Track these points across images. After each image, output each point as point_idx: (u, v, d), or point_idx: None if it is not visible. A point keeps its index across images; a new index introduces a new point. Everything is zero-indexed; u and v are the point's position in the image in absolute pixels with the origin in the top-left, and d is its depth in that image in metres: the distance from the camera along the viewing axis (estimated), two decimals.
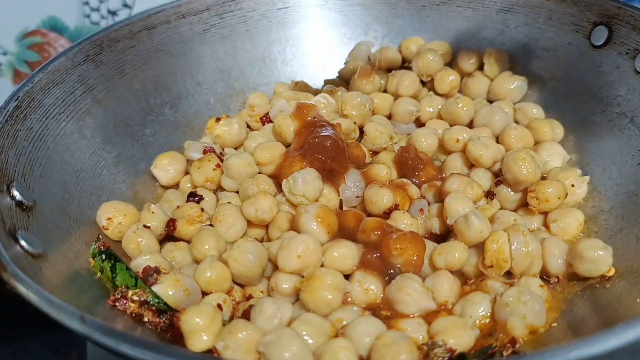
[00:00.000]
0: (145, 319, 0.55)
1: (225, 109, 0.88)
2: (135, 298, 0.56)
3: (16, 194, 0.58)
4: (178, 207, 0.72)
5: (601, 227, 0.68)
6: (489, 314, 0.58)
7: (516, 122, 0.81)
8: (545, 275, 0.63)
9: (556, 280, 0.63)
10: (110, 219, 0.68)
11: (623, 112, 0.73)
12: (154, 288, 0.57)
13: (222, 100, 0.90)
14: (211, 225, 0.69)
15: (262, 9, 0.90)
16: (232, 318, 0.60)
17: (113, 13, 1.12)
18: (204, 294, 0.61)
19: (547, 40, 0.83)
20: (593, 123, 0.76)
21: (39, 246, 0.56)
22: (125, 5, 1.11)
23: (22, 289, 0.45)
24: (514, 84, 0.83)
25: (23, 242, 0.53)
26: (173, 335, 0.54)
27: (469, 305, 0.59)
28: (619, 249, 0.64)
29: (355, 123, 0.80)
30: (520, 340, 0.55)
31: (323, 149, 0.69)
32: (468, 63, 0.86)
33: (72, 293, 0.54)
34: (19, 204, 0.58)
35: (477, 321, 0.58)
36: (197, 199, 0.73)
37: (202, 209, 0.71)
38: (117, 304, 0.55)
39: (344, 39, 0.94)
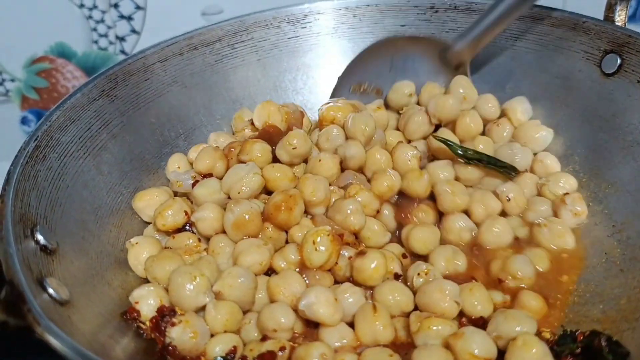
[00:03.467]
0: None
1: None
2: None
3: (40, 238, 0.58)
4: (174, 236, 0.72)
5: (617, 255, 0.69)
6: None
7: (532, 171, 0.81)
8: None
9: None
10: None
11: (636, 140, 0.73)
12: (172, 332, 0.58)
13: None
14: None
15: (272, 38, 0.91)
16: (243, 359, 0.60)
17: (121, 39, 1.12)
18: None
19: (558, 67, 0.83)
20: (606, 150, 0.76)
21: (65, 292, 0.56)
22: (134, 31, 1.11)
23: (57, 345, 0.45)
24: (538, 133, 0.82)
25: (50, 290, 0.53)
26: None
27: None
28: (635, 277, 0.66)
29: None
30: None
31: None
32: (490, 110, 0.84)
33: (100, 339, 0.54)
34: (43, 248, 0.58)
35: None
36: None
37: (200, 239, 0.71)
38: None
39: None
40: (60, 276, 0.58)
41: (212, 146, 0.80)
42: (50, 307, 0.51)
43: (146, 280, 0.68)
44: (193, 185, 0.75)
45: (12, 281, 0.50)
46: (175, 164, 0.81)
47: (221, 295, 0.62)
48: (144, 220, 0.76)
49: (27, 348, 0.60)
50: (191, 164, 0.81)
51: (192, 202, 0.74)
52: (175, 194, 0.77)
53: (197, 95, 0.87)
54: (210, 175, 0.77)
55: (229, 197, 0.73)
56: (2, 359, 0.63)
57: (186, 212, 0.72)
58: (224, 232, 0.70)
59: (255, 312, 0.64)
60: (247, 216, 0.68)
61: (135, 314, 0.61)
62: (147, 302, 0.62)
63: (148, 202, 0.75)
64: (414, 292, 0.64)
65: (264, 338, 0.60)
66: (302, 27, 0.91)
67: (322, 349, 0.56)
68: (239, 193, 0.71)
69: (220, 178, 0.75)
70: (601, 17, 0.80)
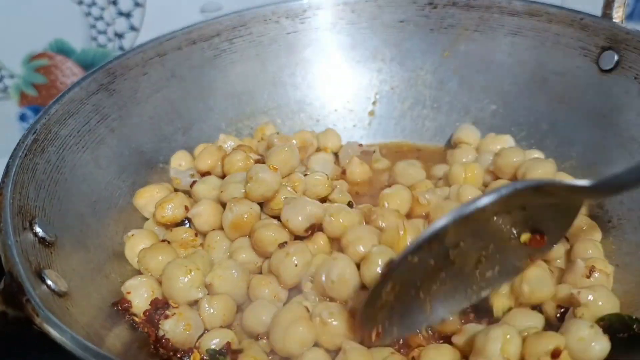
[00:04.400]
0: None
1: (237, 134, 0.89)
2: None
3: (39, 230, 0.58)
4: (171, 229, 0.72)
5: (614, 251, 0.69)
6: None
7: None
8: None
9: None
10: None
11: (633, 136, 0.74)
12: (165, 324, 0.58)
13: (233, 125, 0.90)
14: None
15: (271, 33, 0.91)
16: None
17: (120, 36, 1.12)
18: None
19: (556, 63, 0.83)
20: (604, 147, 0.77)
21: (63, 284, 0.56)
22: (132, 28, 1.11)
23: (55, 334, 0.45)
24: None
25: (49, 282, 0.53)
26: None
27: None
28: (633, 271, 0.66)
29: None
30: None
31: None
32: None
33: (98, 330, 0.54)
34: (42, 240, 0.58)
35: None
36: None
37: (196, 234, 0.71)
38: None
39: (352, 62, 0.94)
40: (58, 268, 0.58)
41: (217, 146, 0.81)
42: (48, 298, 0.52)
43: None
44: (191, 185, 0.76)
45: (11, 272, 0.50)
46: (178, 161, 0.82)
47: (212, 288, 0.62)
48: (146, 216, 0.76)
49: (27, 348, 0.60)
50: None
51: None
52: (176, 190, 0.77)
53: (196, 90, 0.87)
54: (208, 174, 0.77)
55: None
56: (2, 358, 0.63)
57: (186, 207, 0.72)
58: (221, 228, 0.71)
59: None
60: (245, 216, 0.68)
61: (127, 305, 0.61)
62: (139, 293, 0.62)
63: (148, 199, 0.75)
64: None
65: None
66: (301, 23, 0.91)
67: None
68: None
69: (219, 178, 0.76)
70: (599, 14, 0.80)
